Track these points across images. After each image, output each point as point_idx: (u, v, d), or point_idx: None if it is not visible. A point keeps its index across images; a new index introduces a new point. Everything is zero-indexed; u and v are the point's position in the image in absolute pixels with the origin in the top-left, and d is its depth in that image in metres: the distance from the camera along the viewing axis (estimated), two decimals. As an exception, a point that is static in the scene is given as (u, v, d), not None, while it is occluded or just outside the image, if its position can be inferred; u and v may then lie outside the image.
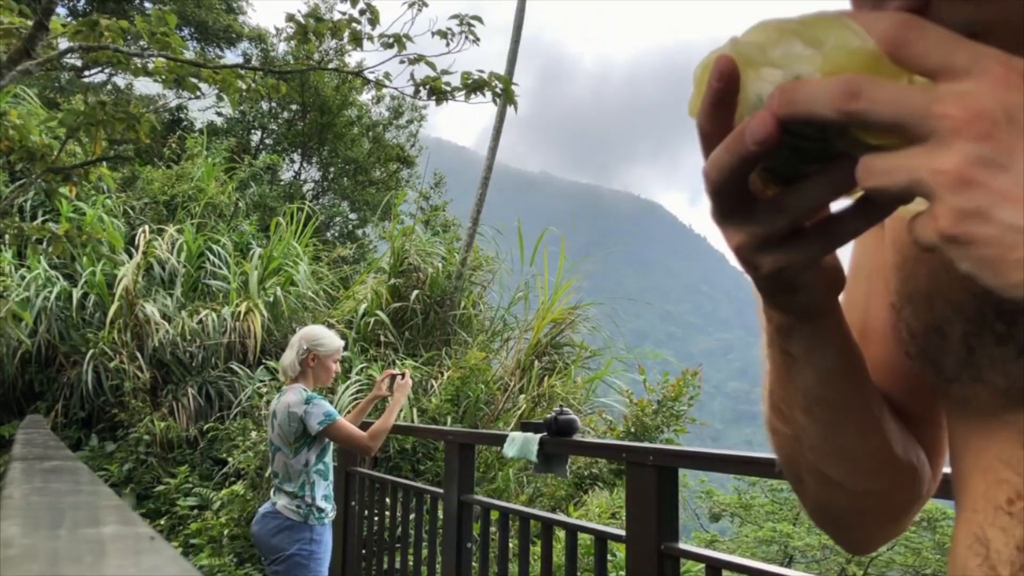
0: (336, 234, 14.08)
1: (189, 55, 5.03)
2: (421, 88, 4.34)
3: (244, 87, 4.45)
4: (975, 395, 0.52)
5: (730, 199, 0.44)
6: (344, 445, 3.50)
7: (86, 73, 12.16)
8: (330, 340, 3.56)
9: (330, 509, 3.44)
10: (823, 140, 0.40)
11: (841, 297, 0.54)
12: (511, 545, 3.12)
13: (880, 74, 0.37)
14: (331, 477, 3.48)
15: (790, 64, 0.40)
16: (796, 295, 0.50)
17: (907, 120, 0.35)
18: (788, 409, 0.58)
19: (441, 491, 3.53)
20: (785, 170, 0.43)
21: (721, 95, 0.41)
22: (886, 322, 0.63)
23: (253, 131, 14.61)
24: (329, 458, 3.47)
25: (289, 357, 3.51)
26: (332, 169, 14.67)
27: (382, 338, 7.80)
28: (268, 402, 6.22)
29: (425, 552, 3.94)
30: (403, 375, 3.73)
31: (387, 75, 4.44)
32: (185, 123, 13.48)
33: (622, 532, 2.37)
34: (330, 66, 9.45)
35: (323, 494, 3.41)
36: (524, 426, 3.09)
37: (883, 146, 0.37)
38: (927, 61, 0.36)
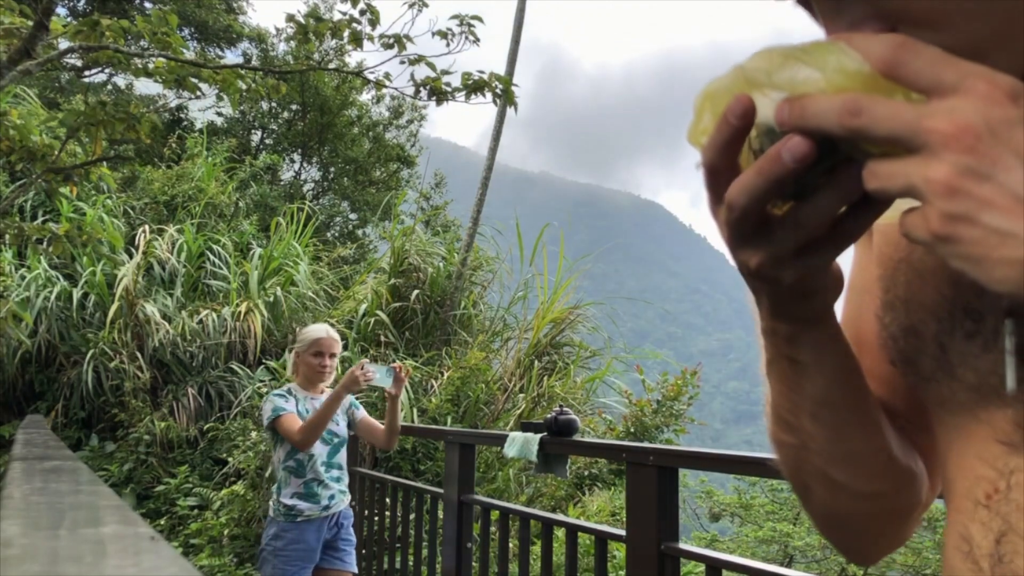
0: (336, 234, 14.08)
1: (189, 55, 5.03)
2: (421, 89, 4.34)
3: (244, 87, 4.45)
4: (952, 394, 0.55)
5: (752, 222, 0.47)
6: (289, 441, 3.35)
7: (86, 73, 12.16)
8: (304, 335, 3.54)
9: (306, 507, 3.37)
10: (830, 150, 0.43)
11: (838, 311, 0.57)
12: (511, 545, 3.12)
13: (878, 92, 0.41)
14: (311, 475, 3.39)
15: (795, 87, 0.43)
16: (812, 300, 0.54)
17: (902, 135, 0.40)
18: (795, 419, 0.61)
19: (441, 491, 3.53)
20: (795, 186, 0.46)
21: (738, 133, 0.45)
22: (877, 334, 0.66)
23: (253, 131, 14.62)
24: (304, 456, 3.37)
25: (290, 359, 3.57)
26: (332, 169, 14.67)
27: (382, 338, 7.79)
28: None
29: (425, 552, 3.94)
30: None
31: (387, 75, 4.44)
32: (185, 123, 13.48)
33: (622, 532, 2.37)
34: (330, 66, 9.45)
35: (293, 491, 3.36)
36: (524, 426, 3.09)
37: (885, 153, 0.41)
38: (919, 80, 0.40)
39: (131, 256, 8.05)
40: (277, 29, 13.99)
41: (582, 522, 3.11)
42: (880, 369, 0.66)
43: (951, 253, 0.38)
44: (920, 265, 0.57)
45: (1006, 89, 0.38)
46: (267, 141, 14.66)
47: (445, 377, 7.03)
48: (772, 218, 0.47)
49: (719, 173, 0.46)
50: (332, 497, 3.45)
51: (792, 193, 0.46)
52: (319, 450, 3.44)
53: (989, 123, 0.37)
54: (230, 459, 6.51)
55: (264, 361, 7.49)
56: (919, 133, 0.39)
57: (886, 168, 0.41)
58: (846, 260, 0.53)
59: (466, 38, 4.40)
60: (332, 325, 7.82)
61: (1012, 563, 0.47)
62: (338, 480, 3.50)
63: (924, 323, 0.56)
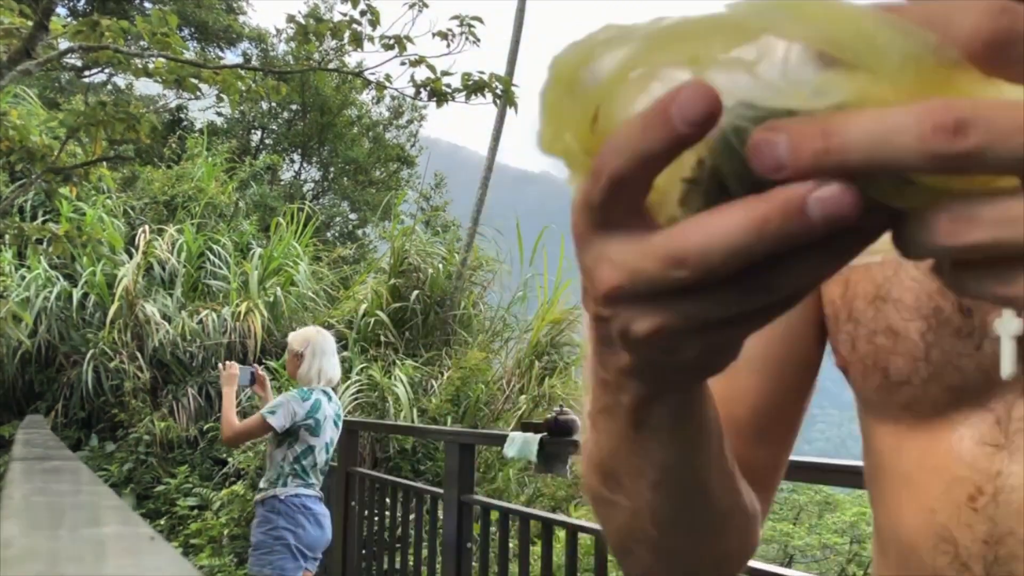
0: (336, 234, 14.08)
1: (189, 55, 5.03)
2: (422, 89, 4.34)
3: (244, 88, 4.45)
4: (925, 395, 0.52)
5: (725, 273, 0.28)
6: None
7: (86, 73, 12.15)
8: None
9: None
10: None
11: None
12: (511, 545, 3.12)
13: (946, 92, 0.24)
14: (313, 479, 3.56)
15: (797, 87, 0.25)
16: (703, 376, 0.38)
17: None
18: (631, 482, 0.47)
19: (441, 491, 3.53)
20: None
21: (678, 147, 0.26)
22: (756, 339, 0.56)
23: (253, 131, 14.62)
24: (308, 462, 3.54)
25: None
26: (332, 169, 14.67)
27: (382, 338, 7.80)
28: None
29: (425, 552, 3.94)
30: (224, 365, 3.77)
31: (388, 76, 4.44)
32: (185, 123, 13.48)
33: (622, 532, 2.37)
34: (330, 66, 9.45)
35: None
36: (524, 426, 3.09)
37: (965, 191, 0.25)
38: None
39: (131, 256, 8.05)
40: (277, 29, 14.00)
41: (582, 522, 3.11)
42: (749, 381, 0.60)
43: None
44: (894, 260, 0.52)
45: None
46: (267, 141, 14.66)
47: (445, 377, 7.03)
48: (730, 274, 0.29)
49: (628, 186, 0.27)
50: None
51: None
52: (322, 458, 3.53)
53: None
54: (230, 459, 6.52)
55: (264, 361, 7.48)
56: None
57: (1000, 210, 0.24)
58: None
59: (466, 39, 4.40)
60: (332, 325, 7.85)
61: (1009, 565, 0.46)
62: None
63: (904, 322, 0.53)
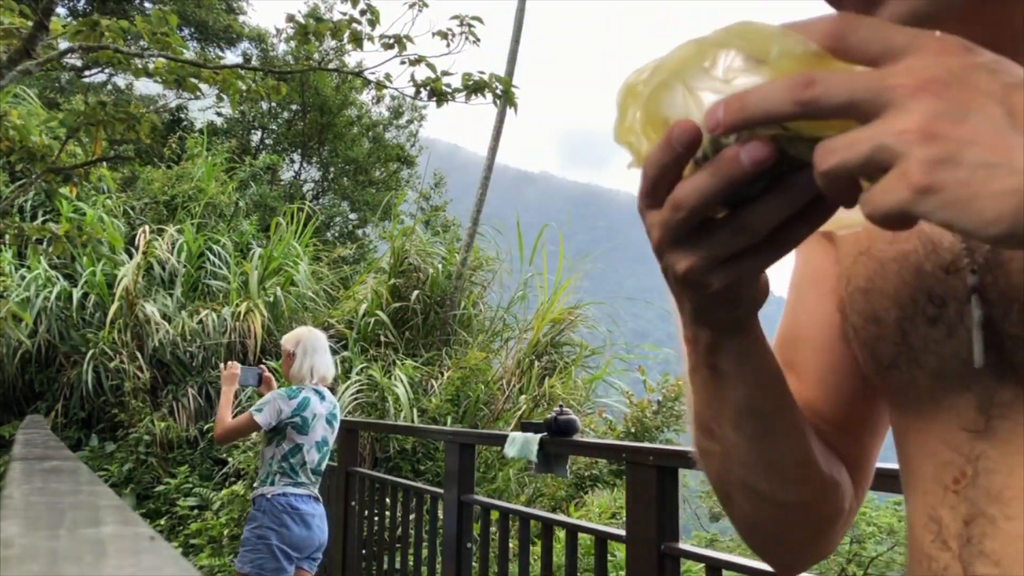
0: (336, 234, 14.08)
1: (189, 55, 5.03)
2: (422, 89, 4.34)
3: (244, 87, 4.45)
4: (913, 380, 0.56)
5: (693, 224, 0.45)
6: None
7: (86, 73, 12.16)
8: None
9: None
10: (780, 158, 0.41)
11: None
12: (511, 545, 3.12)
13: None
14: (304, 478, 3.56)
15: (736, 77, 0.41)
16: (736, 308, 0.52)
17: (862, 96, 0.37)
18: (718, 427, 0.60)
19: (441, 491, 3.53)
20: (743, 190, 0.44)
21: (684, 158, 0.43)
22: (819, 329, 0.67)
23: (253, 131, 14.62)
24: (296, 461, 3.53)
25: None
26: (332, 169, 14.67)
27: (382, 338, 7.80)
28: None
29: (425, 552, 3.94)
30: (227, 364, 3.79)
31: (388, 76, 4.44)
32: (185, 123, 13.48)
33: (622, 532, 2.37)
34: (330, 66, 9.45)
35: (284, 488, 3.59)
36: (524, 426, 3.09)
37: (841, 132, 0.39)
38: (869, 48, 0.39)
39: (131, 256, 8.05)
40: (277, 29, 13.99)
41: (582, 522, 3.12)
42: (816, 366, 0.67)
43: (937, 205, 0.35)
44: (880, 255, 0.58)
45: (958, 43, 0.38)
46: (267, 141, 14.66)
47: (445, 377, 7.03)
48: (712, 221, 0.45)
49: (661, 182, 0.44)
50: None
51: (738, 197, 0.43)
52: (313, 457, 3.51)
53: (952, 71, 0.36)
54: (230, 459, 6.52)
55: (264, 361, 7.49)
56: (882, 92, 0.37)
57: (845, 139, 0.37)
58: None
59: (466, 38, 4.40)
60: (332, 325, 7.85)
61: (981, 544, 0.50)
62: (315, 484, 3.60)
63: (886, 310, 0.57)
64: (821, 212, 0.45)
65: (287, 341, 3.66)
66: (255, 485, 3.56)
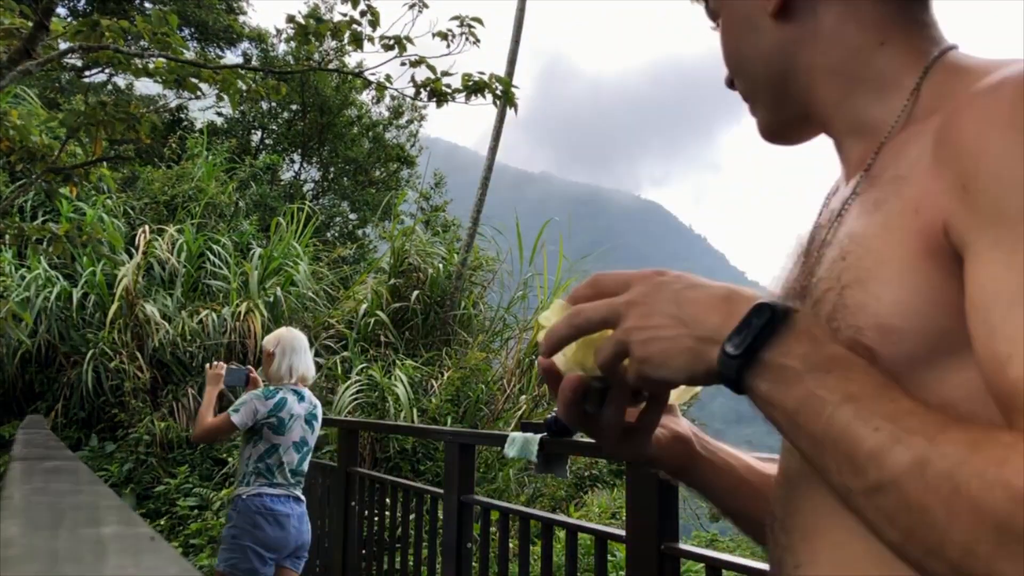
0: (336, 234, 14.08)
1: (189, 55, 5.03)
2: (422, 90, 4.34)
3: (244, 87, 4.45)
4: None
5: (580, 422, 0.71)
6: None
7: (86, 73, 12.16)
8: None
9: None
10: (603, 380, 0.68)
11: None
12: (511, 545, 3.12)
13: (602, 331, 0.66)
14: (280, 479, 3.56)
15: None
16: (657, 465, 0.80)
17: (607, 314, 0.63)
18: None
19: (441, 491, 3.53)
20: (598, 398, 0.70)
21: (577, 396, 0.69)
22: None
23: (253, 131, 14.62)
24: (273, 461, 3.52)
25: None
26: (332, 169, 14.67)
27: (382, 338, 7.80)
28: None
29: (425, 552, 3.93)
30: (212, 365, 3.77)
31: (388, 77, 4.44)
32: (185, 123, 13.48)
33: (622, 532, 2.37)
34: (330, 67, 9.44)
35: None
36: (524, 426, 3.08)
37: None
38: (609, 288, 0.65)
39: (131, 256, 8.05)
40: (277, 30, 14.00)
41: (582, 522, 3.11)
42: None
43: (649, 367, 0.61)
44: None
45: (654, 272, 0.64)
46: (267, 141, 14.66)
47: (445, 377, 7.03)
48: (591, 418, 0.71)
49: (550, 380, 0.72)
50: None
51: (596, 403, 0.69)
52: (291, 458, 3.50)
53: (647, 291, 0.62)
54: (230, 459, 6.51)
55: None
56: (614, 307, 0.63)
57: (606, 342, 0.64)
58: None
59: (466, 39, 4.39)
60: (332, 325, 7.85)
61: (789, 535, 0.70)
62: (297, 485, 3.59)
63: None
64: (660, 400, 0.73)
65: (267, 342, 3.67)
66: (234, 485, 3.56)
